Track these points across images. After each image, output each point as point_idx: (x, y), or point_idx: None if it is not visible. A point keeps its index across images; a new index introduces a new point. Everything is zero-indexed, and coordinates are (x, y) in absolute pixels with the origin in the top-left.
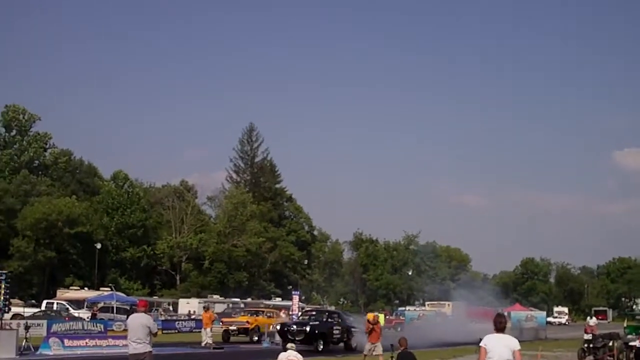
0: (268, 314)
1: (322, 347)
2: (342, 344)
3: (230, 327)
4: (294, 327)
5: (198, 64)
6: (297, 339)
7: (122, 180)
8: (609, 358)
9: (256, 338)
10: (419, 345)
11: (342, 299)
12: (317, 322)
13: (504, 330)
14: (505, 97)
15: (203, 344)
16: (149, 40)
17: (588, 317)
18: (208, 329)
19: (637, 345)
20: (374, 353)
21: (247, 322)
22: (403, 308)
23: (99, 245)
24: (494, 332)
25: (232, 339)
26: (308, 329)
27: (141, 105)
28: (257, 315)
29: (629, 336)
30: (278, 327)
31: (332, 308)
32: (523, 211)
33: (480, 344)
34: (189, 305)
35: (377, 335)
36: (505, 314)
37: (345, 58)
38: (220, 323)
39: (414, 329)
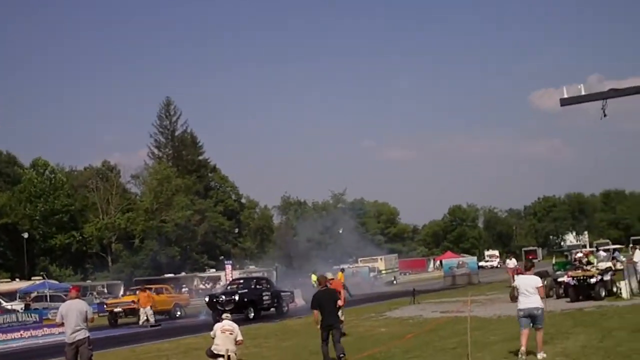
0: (158, 290)
1: (253, 314)
2: (273, 310)
3: (115, 309)
4: (223, 297)
5: (110, 41)
6: (226, 308)
7: (43, 167)
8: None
9: (144, 318)
10: (355, 301)
11: (275, 264)
12: (245, 290)
13: (530, 271)
14: (424, 44)
15: (141, 323)
16: (59, 18)
17: (507, 260)
18: (148, 308)
19: (566, 281)
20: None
21: (133, 302)
22: (337, 266)
23: (25, 235)
24: (524, 273)
25: (120, 321)
26: (237, 297)
27: (55, 88)
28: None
29: (557, 272)
30: (207, 299)
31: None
32: (447, 160)
33: (513, 284)
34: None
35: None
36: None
37: (253, 18)
38: (105, 306)
39: (349, 287)
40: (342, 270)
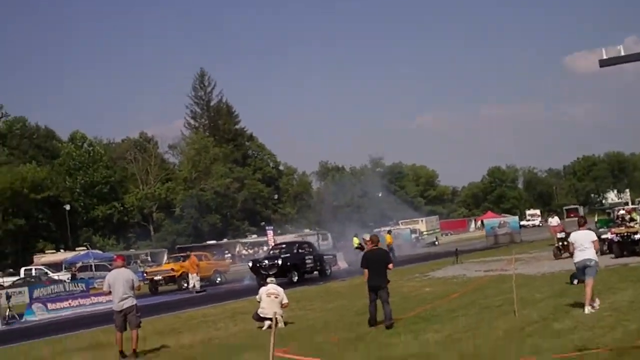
0: (198, 257)
1: (296, 278)
2: (316, 273)
3: (155, 277)
4: (266, 261)
5: (144, 14)
6: (270, 273)
7: (81, 140)
8: None
9: (185, 285)
10: (398, 262)
11: (316, 228)
12: (288, 255)
13: (584, 227)
14: (455, 13)
15: (191, 288)
16: None
17: (549, 218)
18: (194, 274)
19: (609, 238)
20: None
21: (172, 269)
22: (378, 229)
23: (67, 207)
24: (578, 229)
25: (161, 288)
26: (280, 262)
27: (91, 62)
28: (182, 261)
29: (601, 229)
30: (250, 264)
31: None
32: (484, 123)
33: (569, 239)
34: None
35: None
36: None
37: None
38: (144, 274)
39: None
40: (389, 232)
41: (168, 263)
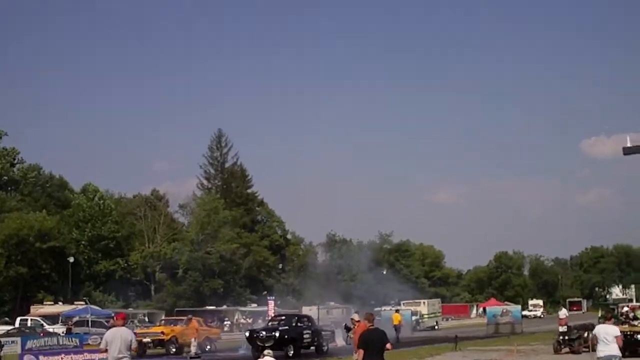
0: (187, 323)
1: (292, 352)
2: (313, 348)
3: (144, 339)
4: (263, 332)
5: (164, 70)
6: (266, 344)
7: (93, 192)
8: (584, 349)
9: (174, 350)
10: (397, 344)
11: (317, 301)
12: (286, 327)
13: (610, 321)
14: (474, 89)
15: (192, 353)
16: (113, 49)
17: (559, 311)
18: (192, 339)
19: None
20: None
21: (162, 332)
22: (379, 308)
23: (71, 259)
24: (604, 323)
25: (149, 351)
26: (277, 334)
27: (108, 114)
28: (175, 325)
29: None
30: (247, 334)
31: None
32: (495, 205)
33: (594, 332)
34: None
35: None
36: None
37: (309, 59)
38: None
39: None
40: (397, 311)
41: (159, 325)
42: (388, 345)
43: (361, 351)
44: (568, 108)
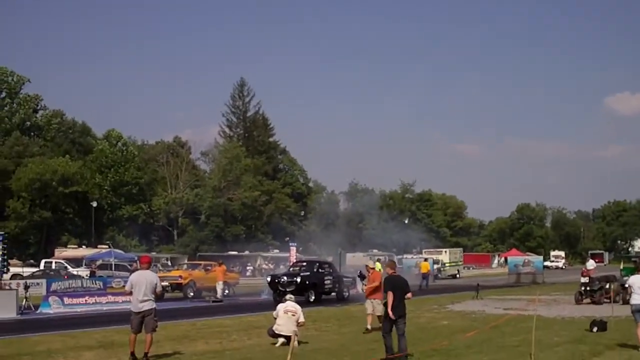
0: (206, 268)
1: (313, 297)
2: (334, 294)
3: (162, 283)
4: (285, 278)
5: (185, 18)
6: (287, 290)
7: (116, 138)
8: (605, 300)
9: (191, 294)
10: (418, 292)
11: (340, 250)
12: (307, 273)
13: None
14: (498, 47)
15: (219, 296)
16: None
17: (587, 262)
18: (221, 282)
19: None
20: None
21: (180, 276)
22: (400, 256)
23: (94, 204)
24: (637, 273)
25: (167, 295)
26: (299, 279)
27: (133, 63)
28: (192, 270)
29: (625, 278)
30: (269, 279)
31: (330, 259)
32: (518, 158)
33: (628, 282)
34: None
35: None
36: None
37: (333, 11)
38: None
39: (412, 277)
40: (426, 259)
41: (177, 269)
42: (409, 295)
43: (391, 293)
44: (593, 65)
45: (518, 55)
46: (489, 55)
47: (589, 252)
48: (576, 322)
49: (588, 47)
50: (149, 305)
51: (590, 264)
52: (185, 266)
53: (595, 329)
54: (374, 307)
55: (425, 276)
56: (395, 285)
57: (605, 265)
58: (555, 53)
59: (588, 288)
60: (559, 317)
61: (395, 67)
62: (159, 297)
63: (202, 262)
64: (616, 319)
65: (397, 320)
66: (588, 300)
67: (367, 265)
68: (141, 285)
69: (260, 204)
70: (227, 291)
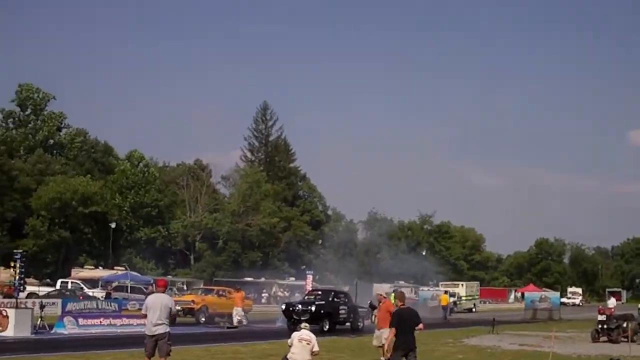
0: (219, 293)
1: (327, 327)
2: (348, 324)
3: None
4: (299, 306)
5: (210, 41)
6: (302, 318)
7: (138, 159)
8: (622, 339)
9: (203, 319)
10: (433, 324)
11: (356, 280)
12: (323, 302)
13: None
14: (520, 78)
15: (235, 323)
16: (158, 18)
17: (608, 300)
18: (239, 308)
19: None
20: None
21: (193, 301)
22: (434, 288)
23: (113, 225)
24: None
25: (179, 319)
26: (314, 308)
27: (156, 84)
28: (206, 295)
29: None
30: (283, 307)
31: (346, 288)
32: (538, 192)
33: None
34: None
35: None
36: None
37: (356, 36)
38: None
39: (428, 309)
40: (446, 292)
41: (190, 294)
42: (421, 326)
43: (393, 330)
44: (615, 98)
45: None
46: (510, 86)
47: (607, 289)
48: None
49: (612, 78)
50: (163, 329)
51: (612, 302)
52: (200, 291)
53: None
54: (382, 337)
55: (445, 308)
56: (402, 319)
57: (623, 303)
58: (578, 85)
59: (605, 326)
60: (575, 354)
61: (416, 98)
62: (172, 322)
63: (216, 287)
64: (633, 359)
65: (408, 354)
66: (605, 338)
67: (379, 294)
68: (156, 309)
69: (279, 231)
70: (244, 321)
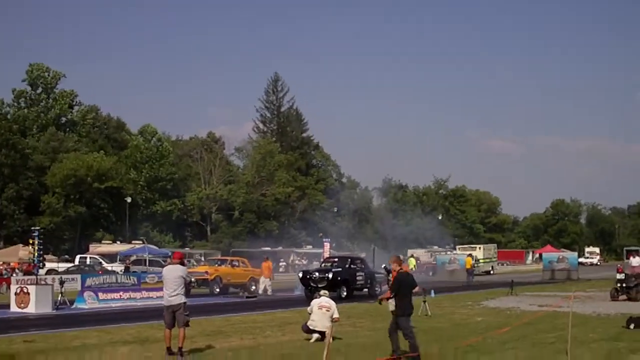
0: (233, 263)
1: (345, 293)
2: (365, 290)
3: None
4: (316, 274)
5: (221, 15)
6: (319, 285)
7: (151, 134)
8: None
9: (217, 290)
10: (451, 287)
11: (372, 245)
12: (339, 269)
13: None
14: (532, 41)
15: (261, 292)
16: None
17: (632, 257)
18: (267, 279)
19: None
20: None
21: (206, 272)
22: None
23: (129, 199)
24: None
25: (193, 290)
26: (330, 275)
27: (167, 59)
28: (219, 265)
29: None
30: (300, 275)
31: (363, 255)
32: (552, 154)
33: None
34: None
35: None
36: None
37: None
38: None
39: (446, 273)
40: (470, 255)
41: (204, 265)
42: (416, 289)
43: (388, 293)
44: (628, 58)
45: (552, 48)
46: (521, 54)
47: (625, 248)
48: (612, 319)
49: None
50: (178, 299)
51: (636, 261)
52: (214, 262)
53: (632, 326)
54: None
55: (469, 271)
56: (403, 284)
57: None
58: (591, 46)
59: (624, 284)
60: (595, 313)
61: (428, 65)
62: (186, 292)
63: (229, 258)
64: None
65: (400, 317)
66: (624, 296)
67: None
68: (170, 280)
69: (294, 200)
70: (253, 287)
